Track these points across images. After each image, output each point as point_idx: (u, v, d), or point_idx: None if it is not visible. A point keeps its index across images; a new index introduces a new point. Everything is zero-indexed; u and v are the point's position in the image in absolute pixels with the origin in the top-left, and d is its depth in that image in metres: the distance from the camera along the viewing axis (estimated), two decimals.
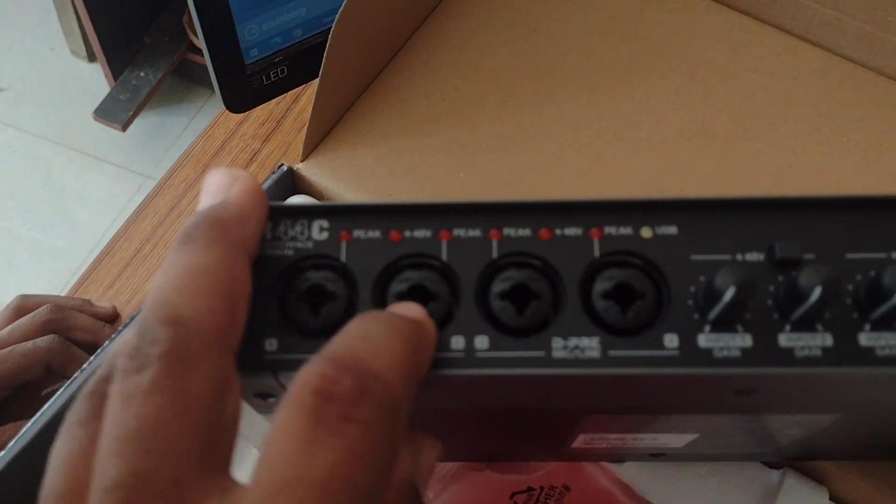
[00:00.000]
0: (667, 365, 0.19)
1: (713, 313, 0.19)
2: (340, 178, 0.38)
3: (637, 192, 0.38)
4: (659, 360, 0.19)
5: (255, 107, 0.44)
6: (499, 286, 0.20)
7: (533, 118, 0.40)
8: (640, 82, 0.41)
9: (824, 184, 0.38)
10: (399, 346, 0.18)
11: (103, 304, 0.46)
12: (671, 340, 0.19)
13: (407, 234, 0.21)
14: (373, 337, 0.18)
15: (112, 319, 0.45)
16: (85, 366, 0.35)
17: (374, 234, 0.21)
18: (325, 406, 0.16)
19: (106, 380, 0.18)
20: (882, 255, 0.20)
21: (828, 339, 0.19)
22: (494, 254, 0.20)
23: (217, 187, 0.20)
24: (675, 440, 0.28)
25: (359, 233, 0.21)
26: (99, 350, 0.35)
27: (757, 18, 0.43)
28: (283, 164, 0.39)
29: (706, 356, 0.19)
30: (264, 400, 0.22)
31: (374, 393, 0.16)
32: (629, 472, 0.35)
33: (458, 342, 0.20)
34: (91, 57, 1.51)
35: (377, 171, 0.39)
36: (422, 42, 0.42)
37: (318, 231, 0.21)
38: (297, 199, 0.39)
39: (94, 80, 1.48)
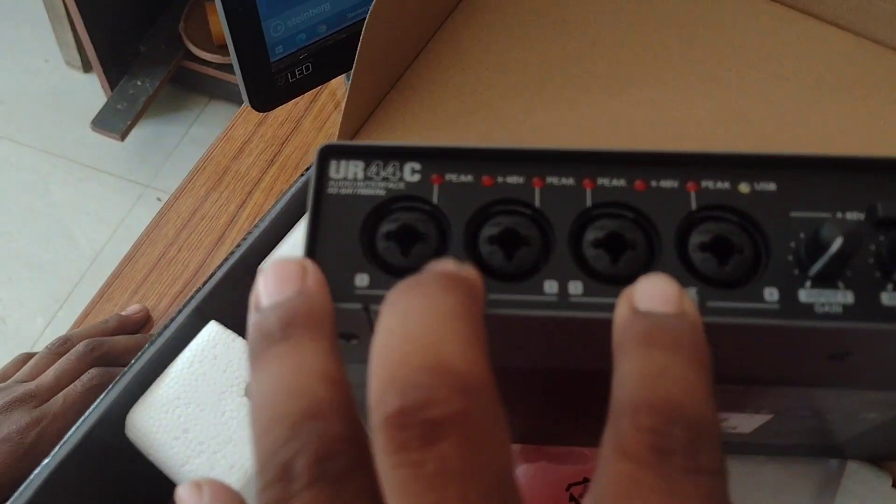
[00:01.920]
0: (767, 317, 0.19)
1: (815, 268, 0.19)
2: None
3: None
4: (759, 312, 0.19)
5: (279, 105, 0.44)
6: (593, 234, 0.20)
7: (565, 109, 0.39)
8: (671, 70, 0.40)
9: None
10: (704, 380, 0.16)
11: (132, 308, 0.45)
12: (771, 294, 0.19)
13: (500, 179, 0.20)
14: (675, 374, 0.16)
15: (145, 322, 0.45)
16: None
17: (467, 178, 0.20)
18: (668, 460, 0.15)
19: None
20: None
21: None
22: (588, 202, 0.20)
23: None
24: (746, 422, 0.27)
25: (451, 176, 0.20)
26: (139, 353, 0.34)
27: (784, 4, 0.43)
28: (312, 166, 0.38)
29: (807, 311, 0.19)
30: (347, 341, 0.21)
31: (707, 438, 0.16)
32: None
33: (551, 287, 0.19)
34: (86, 67, 1.50)
35: None
36: (449, 35, 0.41)
37: (411, 173, 0.20)
38: None
39: (90, 91, 1.47)
